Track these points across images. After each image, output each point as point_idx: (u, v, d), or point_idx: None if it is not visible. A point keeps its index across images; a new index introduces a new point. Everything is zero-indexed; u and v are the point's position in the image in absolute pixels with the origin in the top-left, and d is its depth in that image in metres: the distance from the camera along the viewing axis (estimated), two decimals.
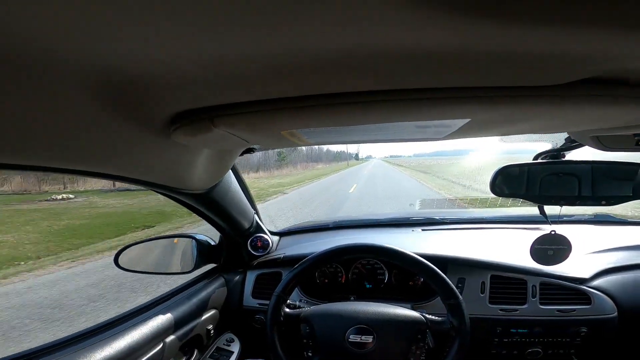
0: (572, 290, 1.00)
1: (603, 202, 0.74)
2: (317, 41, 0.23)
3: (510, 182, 0.81)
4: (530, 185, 0.78)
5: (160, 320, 0.88)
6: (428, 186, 14.40)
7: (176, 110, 0.38)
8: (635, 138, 0.58)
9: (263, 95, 0.34)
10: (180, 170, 0.61)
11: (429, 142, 0.53)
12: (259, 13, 0.20)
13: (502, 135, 0.54)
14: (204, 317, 1.04)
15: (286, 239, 1.44)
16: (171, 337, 0.90)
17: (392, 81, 0.31)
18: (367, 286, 1.18)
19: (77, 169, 0.45)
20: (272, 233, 1.42)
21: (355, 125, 0.39)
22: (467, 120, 0.37)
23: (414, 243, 1.24)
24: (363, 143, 0.54)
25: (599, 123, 0.41)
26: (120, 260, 1.10)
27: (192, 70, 0.28)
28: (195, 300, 1.04)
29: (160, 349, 0.86)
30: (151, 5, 0.19)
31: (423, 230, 1.41)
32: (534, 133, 0.53)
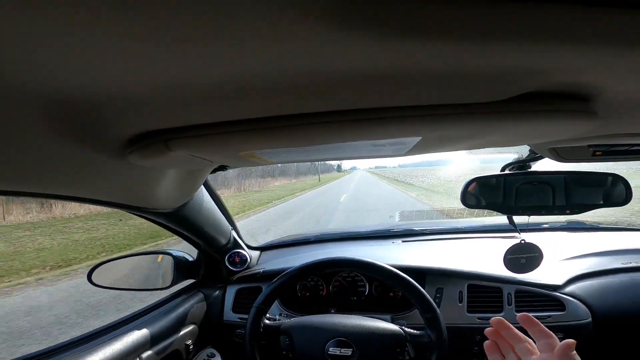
0: (546, 297, 1.02)
1: (567, 212, 0.77)
2: (260, 65, 0.24)
3: (481, 193, 0.84)
4: (500, 196, 0.80)
5: (135, 335, 0.87)
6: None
7: (129, 132, 0.38)
8: (591, 149, 0.61)
9: (217, 118, 0.35)
10: (146, 189, 0.60)
11: (395, 157, 0.54)
12: (199, 40, 0.21)
13: (458, 150, 0.56)
14: (182, 332, 1.02)
15: (267, 254, 1.43)
16: (148, 353, 0.88)
17: (343, 102, 0.32)
18: (352, 298, 1.18)
19: (28, 190, 0.44)
20: (253, 248, 1.42)
21: (313, 146, 0.40)
22: (419, 138, 0.38)
23: (394, 255, 1.25)
24: (325, 161, 0.56)
25: (548, 136, 0.43)
26: (94, 277, 1.08)
27: (142, 93, 0.28)
28: (173, 315, 1.02)
29: None
30: (93, 26, 0.19)
31: (403, 241, 1.42)
32: (488, 147, 0.55)
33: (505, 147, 0.75)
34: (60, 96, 0.28)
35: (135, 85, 0.27)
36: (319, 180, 42.05)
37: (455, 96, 0.32)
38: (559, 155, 0.62)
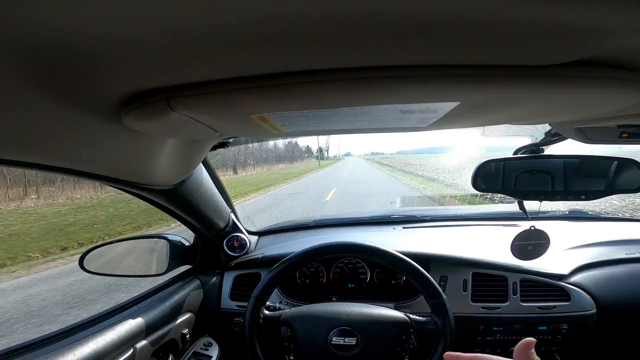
0: (551, 287, 1.01)
1: (582, 197, 0.74)
2: (283, 6, 0.20)
3: (489, 177, 0.81)
4: (508, 181, 0.78)
5: (129, 324, 0.83)
6: None
7: (126, 90, 0.33)
8: (620, 130, 0.58)
9: (227, 74, 0.30)
10: (141, 162, 0.56)
11: (412, 132, 0.50)
12: None
13: (490, 124, 0.51)
14: (178, 321, 0.99)
15: (265, 239, 1.40)
16: (142, 342, 0.85)
17: (373, 56, 0.28)
18: (350, 286, 1.16)
19: (7, 158, 0.39)
20: (251, 233, 1.38)
21: (334, 109, 0.35)
22: (456, 104, 0.34)
23: (395, 241, 1.22)
24: (343, 133, 0.51)
25: (588, 109, 0.40)
26: (86, 262, 1.03)
27: (138, 41, 0.24)
28: (168, 303, 0.99)
29: (130, 354, 0.80)
30: None
31: (404, 228, 1.40)
32: (522, 122, 0.51)
33: (521, 129, 0.72)
34: (42, 45, 0.24)
35: (130, 31, 0.22)
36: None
37: (500, 57, 0.28)
38: (584, 135, 0.59)
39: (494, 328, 1.00)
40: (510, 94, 0.32)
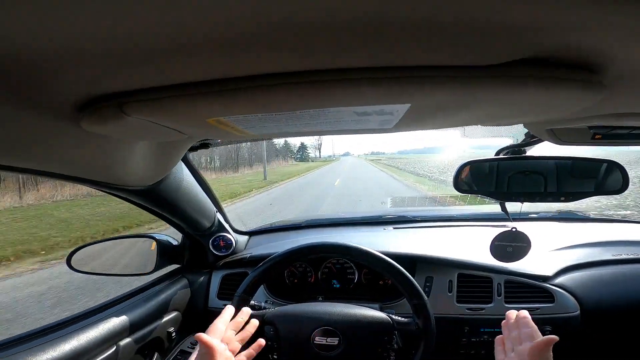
0: (535, 288, 1.01)
1: (562, 199, 0.74)
2: (227, 11, 0.20)
3: (473, 178, 0.81)
4: (490, 181, 0.78)
5: (113, 322, 0.84)
6: None
7: (80, 95, 0.33)
8: (591, 131, 0.58)
9: (175, 79, 0.30)
10: (112, 164, 0.56)
11: (382, 133, 0.50)
12: None
13: (455, 125, 0.52)
14: (164, 319, 1.00)
15: (256, 238, 1.40)
16: (126, 340, 0.85)
17: (322, 60, 0.28)
18: (336, 286, 1.16)
19: None
20: (241, 232, 1.38)
21: (289, 112, 0.35)
22: (407, 105, 0.34)
23: (385, 241, 1.23)
24: (307, 135, 0.51)
25: (549, 109, 0.40)
26: (74, 261, 1.04)
27: (86, 50, 0.24)
28: (154, 302, 0.99)
29: (113, 352, 0.81)
30: None
31: (395, 228, 1.40)
32: (484, 123, 0.51)
33: (501, 130, 0.72)
34: None
35: (73, 40, 0.22)
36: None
37: (449, 57, 0.28)
38: (557, 137, 0.59)
39: (481, 329, 1.00)
40: (459, 95, 0.32)
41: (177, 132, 0.43)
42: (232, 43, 0.24)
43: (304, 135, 0.52)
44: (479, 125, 0.58)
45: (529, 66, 0.30)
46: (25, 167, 0.46)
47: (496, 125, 0.54)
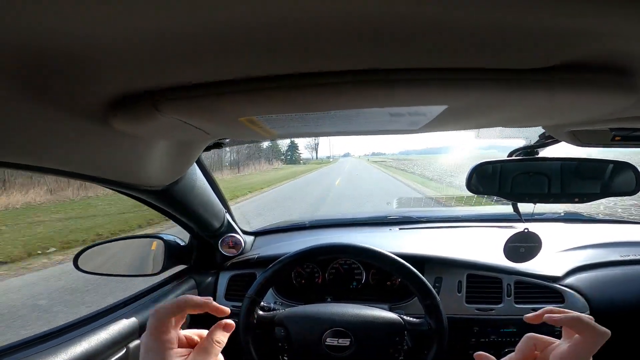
0: (545, 289, 1.01)
1: (576, 200, 0.74)
2: (261, 11, 0.20)
3: (485, 179, 0.81)
4: (504, 183, 0.78)
5: (123, 324, 0.83)
6: None
7: (114, 93, 0.33)
8: (612, 133, 0.58)
9: (214, 77, 0.30)
10: (133, 164, 0.55)
11: (406, 134, 0.50)
12: None
13: (481, 127, 0.52)
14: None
15: (261, 239, 1.40)
16: (136, 342, 0.85)
17: (359, 60, 0.28)
18: (344, 287, 1.16)
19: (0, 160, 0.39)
20: (247, 233, 1.38)
21: (322, 112, 0.35)
22: (444, 107, 0.34)
23: (391, 242, 1.22)
24: (334, 135, 0.51)
25: (576, 114, 0.40)
26: (81, 262, 1.03)
27: (124, 45, 0.24)
28: (162, 302, 0.99)
29: (123, 354, 0.81)
30: None
31: (400, 229, 1.40)
32: (513, 125, 0.51)
33: (515, 131, 0.72)
34: (28, 49, 0.24)
35: (115, 35, 0.22)
36: None
37: (488, 60, 0.28)
38: (578, 138, 0.59)
39: (489, 330, 1.00)
40: (496, 98, 0.32)
41: (202, 132, 0.43)
42: (270, 42, 0.24)
43: (330, 136, 0.52)
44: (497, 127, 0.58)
45: (562, 70, 0.30)
46: (46, 166, 0.45)
47: (517, 127, 0.54)
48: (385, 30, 0.23)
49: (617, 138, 0.58)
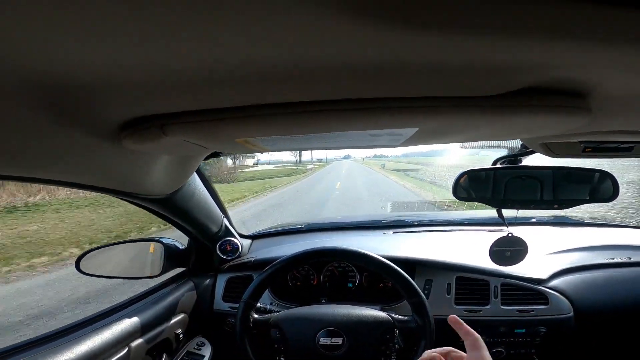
0: (530, 291, 1.05)
1: (556, 207, 0.78)
2: (256, 52, 0.24)
3: (472, 186, 0.85)
4: (490, 190, 0.81)
5: (125, 324, 0.86)
6: None
7: (124, 117, 0.37)
8: (582, 145, 0.62)
9: (214, 104, 0.34)
10: (138, 175, 0.60)
11: (389, 148, 0.54)
12: (196, 23, 0.20)
13: (458, 142, 0.56)
14: (172, 321, 1.02)
15: (258, 242, 1.43)
16: (137, 342, 0.88)
17: (340, 91, 0.32)
18: (343, 288, 1.19)
19: (17, 175, 0.43)
20: (244, 236, 1.41)
21: (309, 134, 0.40)
22: (415, 129, 0.38)
23: (384, 246, 1.26)
24: (322, 149, 0.55)
25: (542, 131, 0.44)
26: (83, 264, 1.06)
27: (136, 78, 0.28)
28: (163, 304, 1.02)
29: (125, 353, 0.84)
30: (86, 12, 0.19)
31: (394, 232, 1.44)
32: (483, 140, 0.55)
33: (498, 141, 0.76)
34: (50, 80, 0.28)
35: (127, 68, 0.26)
36: None
37: (452, 89, 0.32)
38: (550, 150, 0.63)
39: (477, 330, 1.03)
40: (462, 120, 0.36)
41: (203, 148, 0.47)
42: (261, 76, 0.28)
43: (319, 149, 0.56)
44: None
45: (522, 95, 0.34)
46: (61, 179, 0.49)
47: (495, 141, 0.58)
48: (360, 68, 0.27)
49: (587, 150, 0.61)
